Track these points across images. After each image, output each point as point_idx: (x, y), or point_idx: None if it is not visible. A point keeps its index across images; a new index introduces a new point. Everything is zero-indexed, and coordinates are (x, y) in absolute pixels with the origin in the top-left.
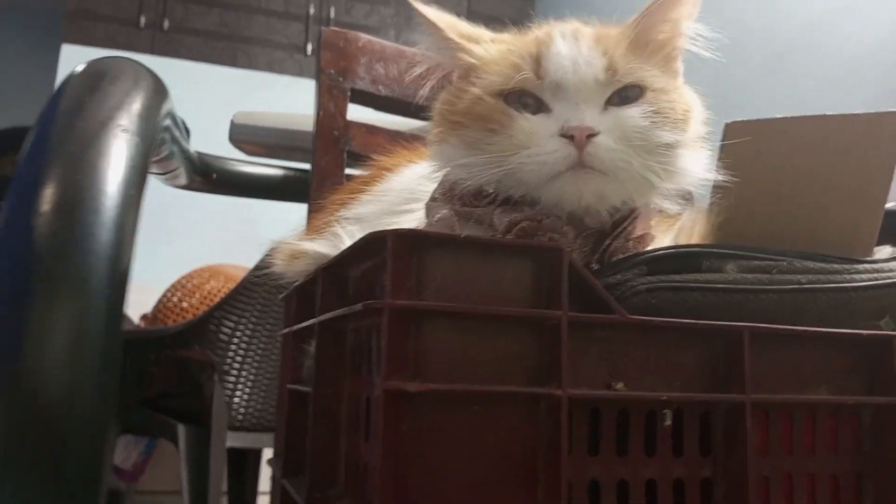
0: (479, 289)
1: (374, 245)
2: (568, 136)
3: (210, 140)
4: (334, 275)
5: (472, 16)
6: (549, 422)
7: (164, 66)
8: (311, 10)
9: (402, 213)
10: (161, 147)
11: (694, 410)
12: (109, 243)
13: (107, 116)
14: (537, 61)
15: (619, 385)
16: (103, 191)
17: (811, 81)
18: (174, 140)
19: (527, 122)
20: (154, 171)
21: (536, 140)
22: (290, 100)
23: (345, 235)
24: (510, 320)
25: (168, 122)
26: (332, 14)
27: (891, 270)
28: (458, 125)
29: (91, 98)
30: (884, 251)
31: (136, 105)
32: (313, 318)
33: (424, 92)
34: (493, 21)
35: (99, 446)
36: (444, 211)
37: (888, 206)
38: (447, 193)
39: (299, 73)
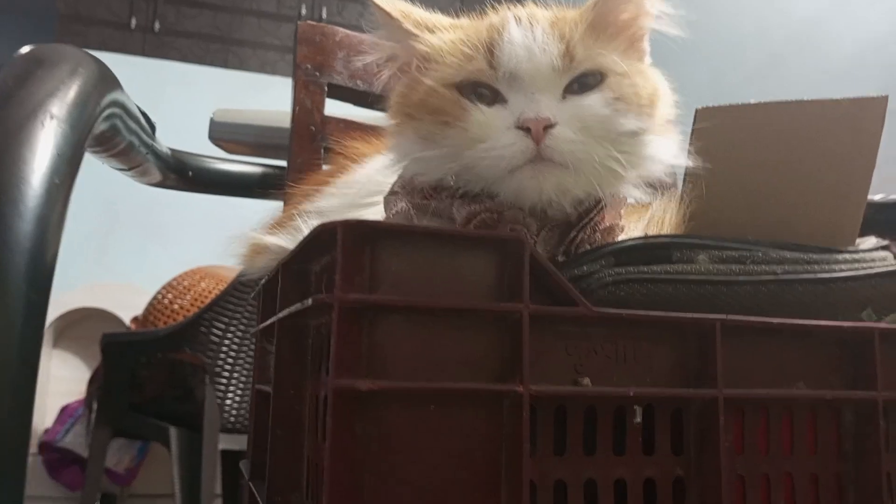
0: (437, 282)
1: (324, 237)
2: (524, 128)
3: (199, 142)
4: (295, 270)
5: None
6: (511, 420)
7: (155, 68)
8: (303, 11)
9: (366, 206)
10: (114, 138)
11: (665, 407)
12: (28, 235)
13: (37, 104)
14: (490, 50)
15: (586, 381)
16: (24, 180)
17: (806, 81)
18: (130, 131)
19: (482, 115)
20: (118, 166)
21: (491, 133)
22: (282, 101)
23: (306, 229)
24: (469, 315)
25: (116, 110)
26: (325, 15)
27: (872, 260)
28: (413, 118)
29: (23, 85)
30: (867, 242)
31: (71, 92)
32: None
33: (381, 83)
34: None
35: (17, 452)
36: (401, 204)
37: (875, 197)
38: (406, 187)
39: (291, 74)
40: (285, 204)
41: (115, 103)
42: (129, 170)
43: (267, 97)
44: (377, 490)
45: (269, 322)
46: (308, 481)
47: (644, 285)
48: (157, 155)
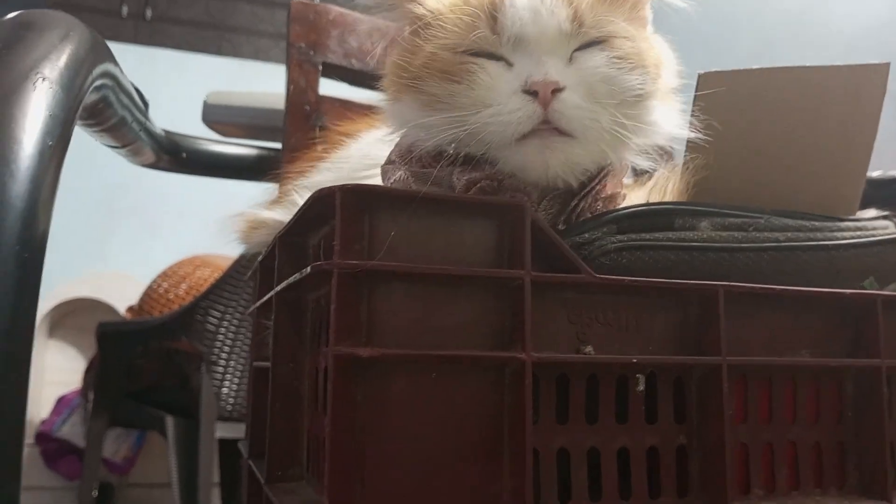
0: (437, 249)
1: (323, 203)
2: (531, 91)
3: (194, 129)
4: (292, 244)
5: None
6: (513, 388)
7: (148, 56)
8: None
9: (361, 179)
10: (103, 111)
11: (667, 375)
12: (22, 196)
13: (28, 67)
14: (492, 16)
15: (588, 349)
16: (16, 140)
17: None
18: (123, 105)
19: (487, 77)
20: (111, 143)
21: (497, 97)
22: (277, 87)
23: (302, 202)
24: (470, 282)
25: (108, 81)
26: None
27: (874, 229)
28: (414, 83)
29: (13, 48)
30: (869, 212)
31: (63, 56)
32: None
33: (375, 56)
34: None
35: (13, 411)
36: (399, 173)
37: (875, 174)
38: (404, 155)
39: (285, 60)
40: (280, 182)
41: (108, 74)
42: (122, 147)
43: (261, 84)
44: (378, 458)
45: (266, 297)
46: (308, 455)
47: (646, 252)
48: (150, 134)
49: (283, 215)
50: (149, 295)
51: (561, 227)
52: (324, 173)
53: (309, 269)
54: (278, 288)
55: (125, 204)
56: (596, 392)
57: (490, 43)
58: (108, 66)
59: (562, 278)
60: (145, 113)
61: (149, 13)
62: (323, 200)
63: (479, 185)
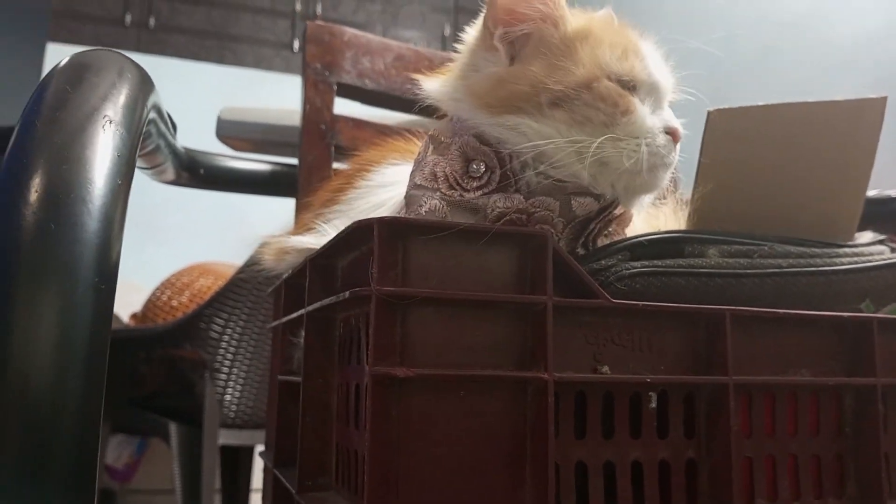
0: (464, 275)
1: (360, 233)
2: (669, 132)
3: (197, 138)
4: (322, 266)
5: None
6: (535, 405)
7: (150, 65)
8: (298, 7)
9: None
10: (147, 140)
11: (678, 393)
12: (97, 232)
13: (92, 108)
14: (640, 58)
15: (604, 368)
16: (90, 180)
17: (800, 74)
18: (160, 134)
19: (644, 113)
20: (141, 165)
21: (650, 131)
22: (278, 97)
23: (332, 230)
24: (496, 306)
25: (154, 114)
26: (319, 10)
27: (871, 254)
28: (566, 99)
29: (76, 90)
30: (865, 236)
31: (121, 97)
32: (301, 309)
33: (508, 49)
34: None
35: (89, 437)
36: (434, 201)
37: (870, 193)
38: (430, 178)
39: (287, 69)
40: (302, 210)
41: (155, 107)
42: (150, 169)
43: (263, 93)
44: (411, 469)
45: (295, 315)
46: (337, 465)
47: (658, 278)
48: (175, 154)
49: (314, 241)
50: (152, 303)
51: (580, 250)
52: (353, 202)
53: (347, 293)
54: (311, 307)
55: (129, 212)
56: (611, 408)
57: (638, 78)
58: (156, 100)
59: (581, 303)
60: (174, 135)
61: (152, 22)
62: (362, 230)
63: (507, 218)
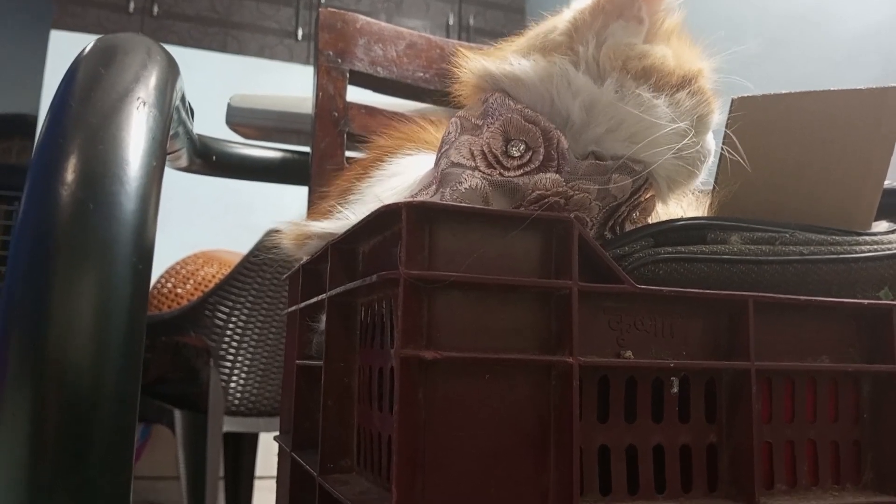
0: (490, 259)
1: (387, 217)
2: None
3: (200, 125)
4: (344, 251)
5: (464, 30)
6: (559, 389)
7: None
8: None
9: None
10: (171, 124)
11: (699, 378)
12: (134, 213)
13: (126, 89)
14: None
15: (628, 353)
16: (126, 161)
17: (806, 67)
18: (181, 120)
19: None
20: None
21: None
22: (282, 85)
23: (352, 215)
24: (521, 290)
25: (178, 100)
26: None
27: (890, 242)
28: (685, 86)
29: (108, 71)
30: (881, 225)
31: (153, 79)
32: (320, 294)
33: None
34: (487, 35)
35: (128, 417)
36: (475, 180)
37: (886, 184)
38: (469, 157)
39: (290, 58)
40: (324, 197)
41: (180, 91)
42: (169, 154)
43: (266, 81)
44: (437, 451)
45: (315, 300)
46: (358, 446)
47: (681, 264)
48: (192, 141)
49: (335, 226)
50: (157, 291)
51: (607, 234)
52: (369, 192)
53: (375, 277)
54: (334, 292)
55: None
56: (633, 393)
57: None
58: (181, 84)
59: (606, 288)
60: (192, 122)
61: (155, 9)
62: (389, 214)
63: (546, 201)
